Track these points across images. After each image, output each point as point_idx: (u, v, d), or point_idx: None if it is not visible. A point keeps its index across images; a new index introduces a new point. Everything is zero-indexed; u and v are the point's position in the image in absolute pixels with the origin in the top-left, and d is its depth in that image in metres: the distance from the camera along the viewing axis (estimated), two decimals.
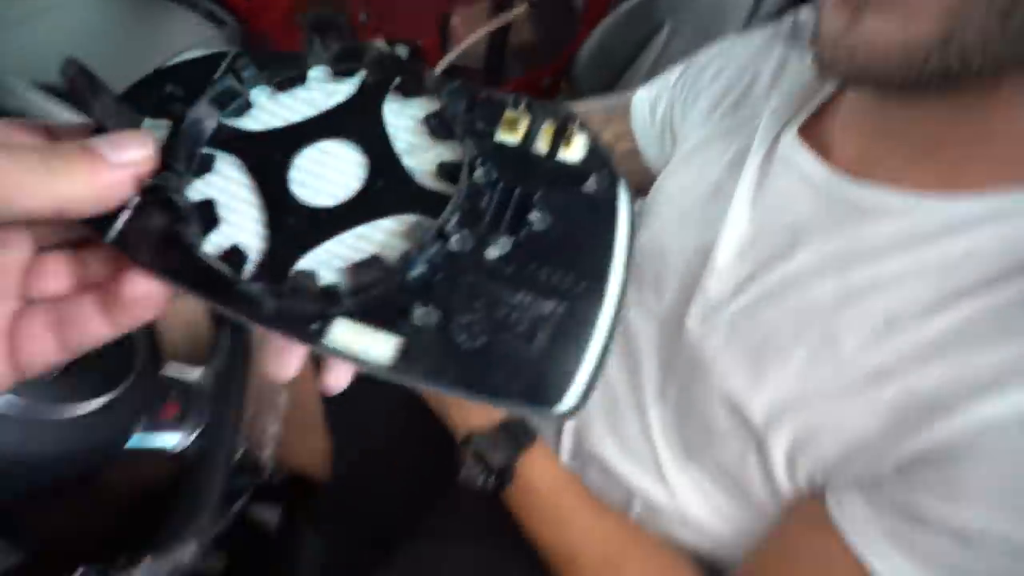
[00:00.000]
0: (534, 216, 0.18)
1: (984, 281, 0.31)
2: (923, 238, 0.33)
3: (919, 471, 0.31)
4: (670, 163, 0.53)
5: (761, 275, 0.39)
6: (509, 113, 0.19)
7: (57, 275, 0.18)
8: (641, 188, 0.57)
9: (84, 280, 0.19)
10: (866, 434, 0.33)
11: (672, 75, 0.57)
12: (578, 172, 0.19)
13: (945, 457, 0.30)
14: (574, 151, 0.19)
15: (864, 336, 0.34)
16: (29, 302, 0.18)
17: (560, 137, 0.19)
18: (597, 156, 0.19)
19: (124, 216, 0.18)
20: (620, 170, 0.19)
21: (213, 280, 0.17)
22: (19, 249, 0.18)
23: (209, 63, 0.20)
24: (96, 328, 0.18)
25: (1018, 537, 0.29)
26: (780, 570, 0.38)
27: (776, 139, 0.43)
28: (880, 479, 0.33)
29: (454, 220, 0.18)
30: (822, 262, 0.37)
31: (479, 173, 0.19)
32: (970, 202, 0.33)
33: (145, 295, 0.18)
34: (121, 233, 0.17)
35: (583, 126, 0.19)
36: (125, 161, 0.17)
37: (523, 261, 0.18)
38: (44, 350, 0.18)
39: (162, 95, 0.19)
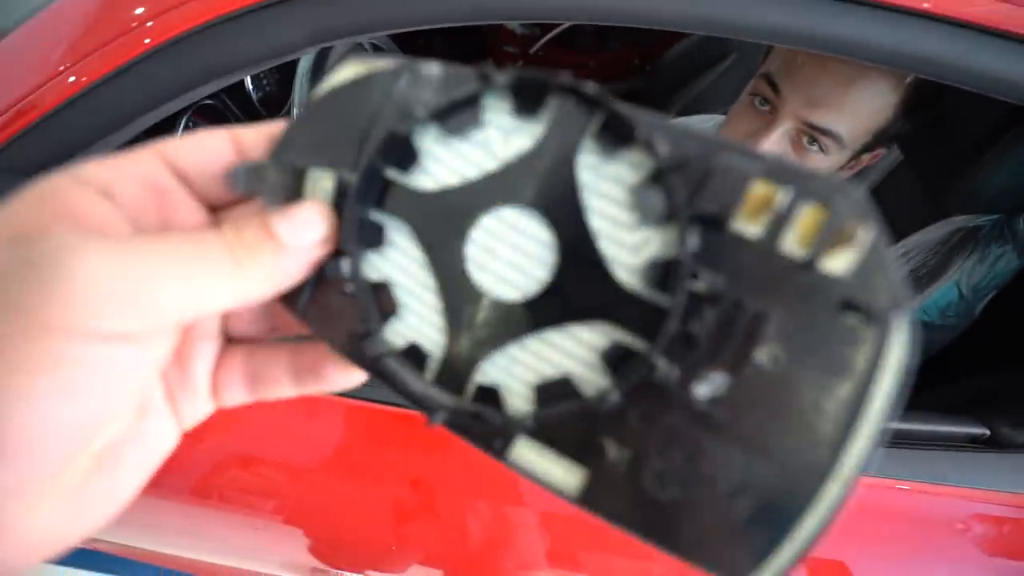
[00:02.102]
0: (764, 350, 0.13)
1: None
2: None
3: None
4: None
5: None
6: (757, 186, 0.14)
7: (252, 319, 0.19)
8: None
9: (275, 326, 0.19)
10: None
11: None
12: (842, 292, 0.13)
13: None
14: (841, 258, 0.13)
15: None
16: (228, 341, 0.19)
17: (824, 237, 0.13)
18: (876, 270, 0.13)
19: (308, 290, 0.17)
20: (904, 291, 0.13)
21: (395, 377, 0.16)
22: None
23: (368, 87, 0.16)
24: (284, 390, 0.19)
25: None
26: None
27: None
28: None
29: (663, 346, 0.14)
30: None
31: (702, 281, 0.14)
32: None
33: (343, 376, 0.18)
34: (307, 306, 0.17)
35: (863, 216, 0.13)
36: (305, 245, 0.16)
37: (739, 407, 0.14)
38: (238, 397, 0.19)
39: (324, 135, 0.17)
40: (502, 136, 0.16)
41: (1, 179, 0.48)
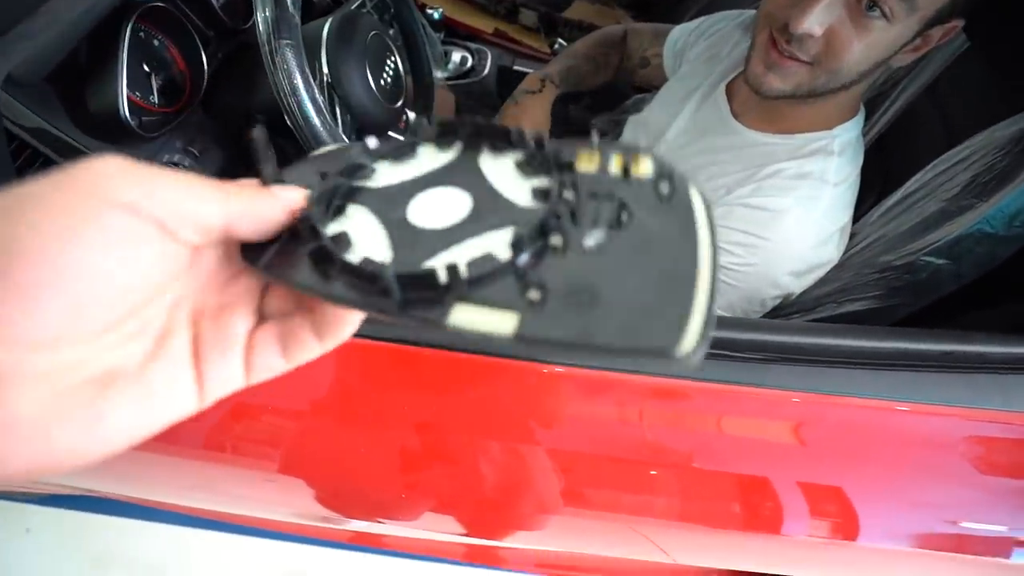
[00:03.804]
0: (621, 214, 0.20)
1: (765, 175, 0.63)
2: (750, 149, 0.64)
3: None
4: (671, 78, 0.80)
5: (684, 149, 0.71)
6: (583, 151, 0.22)
7: (283, 297, 0.22)
8: (657, 86, 0.85)
9: (302, 305, 0.22)
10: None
11: (694, 24, 0.83)
12: (651, 181, 0.20)
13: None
14: (644, 169, 0.21)
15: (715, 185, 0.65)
16: (262, 319, 0.22)
17: (629, 160, 0.21)
18: (665, 168, 0.21)
19: (272, 249, 0.21)
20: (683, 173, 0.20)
21: (352, 283, 0.20)
22: (257, 276, 0.21)
23: (345, 151, 0.25)
24: (311, 344, 0.22)
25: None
26: None
27: (716, 85, 0.70)
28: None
29: (553, 219, 0.20)
30: (710, 149, 0.68)
31: (568, 192, 0.20)
32: (779, 137, 0.63)
33: (340, 316, 0.21)
34: (270, 261, 0.21)
35: (647, 151, 0.21)
36: (284, 196, 0.21)
37: (620, 245, 0.19)
38: (271, 361, 0.21)
39: (310, 172, 0.23)
40: (430, 159, 0.24)
41: None
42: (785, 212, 0.60)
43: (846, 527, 0.50)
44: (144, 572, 1.01)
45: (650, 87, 0.90)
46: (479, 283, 0.19)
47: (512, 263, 0.19)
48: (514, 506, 0.55)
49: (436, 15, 1.12)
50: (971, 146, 0.59)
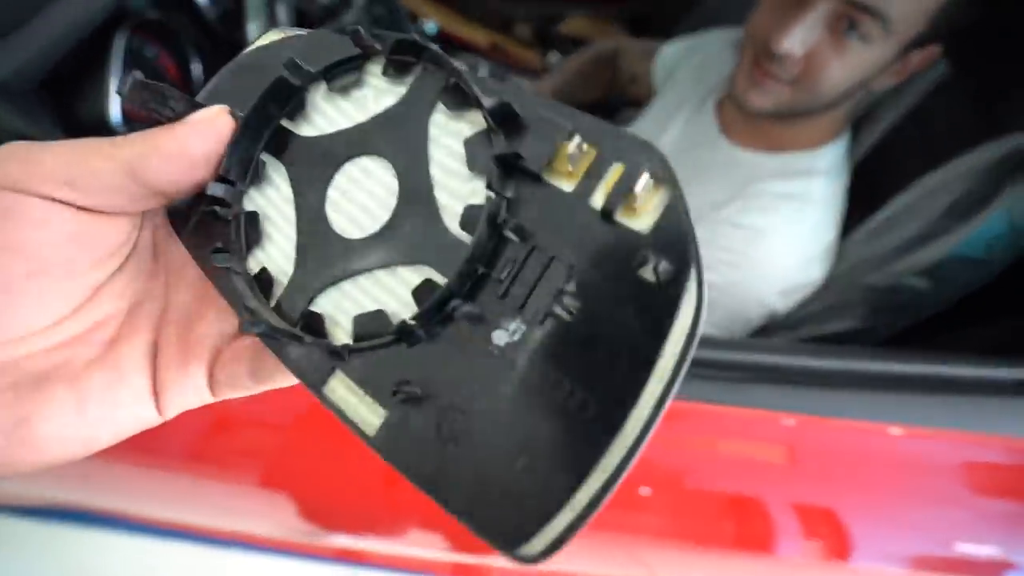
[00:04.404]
0: (563, 302, 0.14)
1: (751, 193, 0.63)
2: (736, 166, 0.65)
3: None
4: (659, 93, 0.82)
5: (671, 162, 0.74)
6: (569, 143, 0.14)
7: None
8: (647, 102, 0.87)
9: None
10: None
11: (685, 42, 0.83)
12: (639, 247, 0.13)
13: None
14: (643, 215, 0.14)
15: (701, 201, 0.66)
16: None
17: (627, 193, 0.14)
18: (671, 229, 0.13)
19: (195, 217, 0.18)
20: (696, 251, 0.13)
21: (235, 293, 0.18)
22: None
23: (278, 50, 0.19)
24: (277, 375, 0.19)
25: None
26: None
27: (705, 101, 0.71)
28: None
29: (464, 288, 0.15)
30: (697, 164, 0.69)
31: (508, 228, 0.15)
32: (765, 155, 0.64)
33: None
34: (191, 232, 0.18)
35: (664, 177, 0.14)
36: (197, 120, 0.17)
37: (532, 359, 0.14)
38: (238, 380, 0.18)
39: (239, 86, 0.19)
40: (374, 95, 0.18)
41: None
42: (770, 231, 0.61)
43: (838, 548, 0.50)
44: None
45: (640, 103, 0.91)
46: (361, 352, 0.16)
47: (401, 334, 0.15)
48: None
49: (431, 28, 1.13)
50: (952, 170, 0.60)
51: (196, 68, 0.66)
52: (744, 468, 0.50)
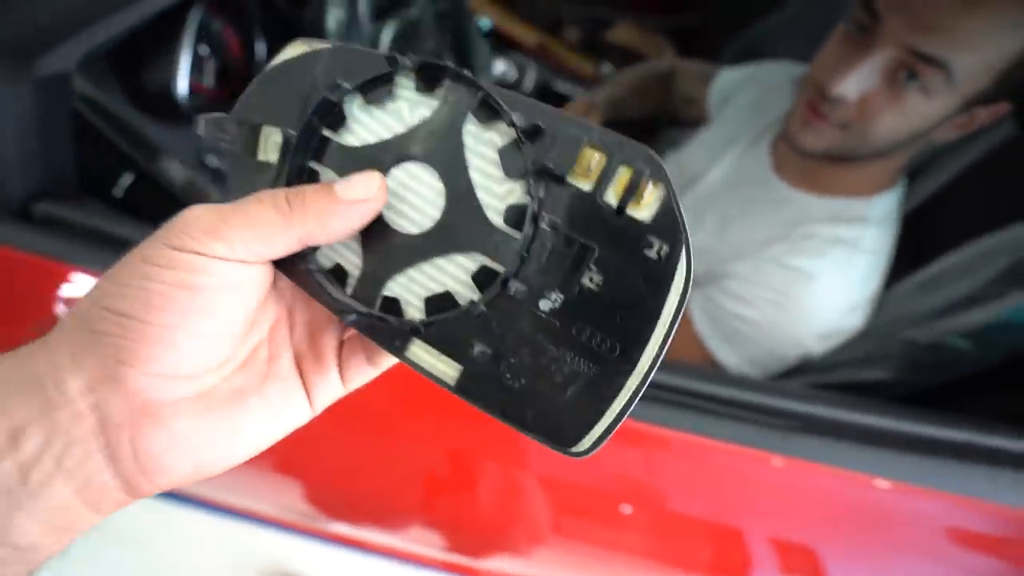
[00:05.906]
0: (588, 275, 0.19)
1: (800, 235, 0.63)
2: (787, 206, 0.65)
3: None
4: (713, 121, 0.81)
5: (722, 197, 0.73)
6: (586, 151, 0.19)
7: None
8: (697, 124, 0.86)
9: None
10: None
11: (744, 71, 0.83)
12: (643, 233, 0.18)
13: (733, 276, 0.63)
14: (645, 208, 0.18)
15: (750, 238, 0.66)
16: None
17: (632, 191, 0.18)
18: (667, 217, 0.18)
19: None
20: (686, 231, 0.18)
21: (320, 288, 0.21)
22: None
23: (308, 63, 0.21)
24: (390, 357, 0.22)
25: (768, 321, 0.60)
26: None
27: (760, 137, 0.70)
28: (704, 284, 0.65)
29: (514, 270, 0.19)
30: (748, 200, 0.69)
31: (544, 223, 0.19)
32: (817, 198, 0.64)
33: None
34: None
35: (660, 177, 0.18)
36: (353, 198, 0.20)
37: (569, 318, 0.19)
38: (361, 368, 0.23)
39: (275, 100, 0.22)
40: (409, 107, 0.21)
41: None
42: (818, 275, 0.60)
43: None
44: (132, 546, 1.01)
45: (692, 124, 0.90)
46: (434, 325, 0.20)
47: (467, 311, 0.20)
48: (505, 532, 0.55)
49: (485, 24, 1.12)
50: (1010, 233, 0.59)
51: (260, 47, 0.66)
52: (729, 500, 0.49)
